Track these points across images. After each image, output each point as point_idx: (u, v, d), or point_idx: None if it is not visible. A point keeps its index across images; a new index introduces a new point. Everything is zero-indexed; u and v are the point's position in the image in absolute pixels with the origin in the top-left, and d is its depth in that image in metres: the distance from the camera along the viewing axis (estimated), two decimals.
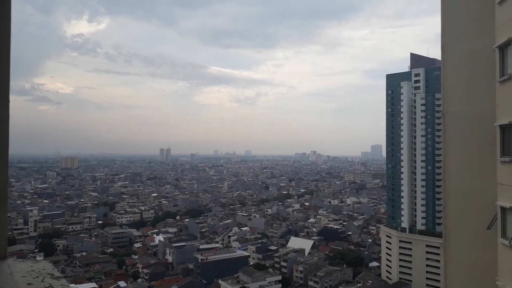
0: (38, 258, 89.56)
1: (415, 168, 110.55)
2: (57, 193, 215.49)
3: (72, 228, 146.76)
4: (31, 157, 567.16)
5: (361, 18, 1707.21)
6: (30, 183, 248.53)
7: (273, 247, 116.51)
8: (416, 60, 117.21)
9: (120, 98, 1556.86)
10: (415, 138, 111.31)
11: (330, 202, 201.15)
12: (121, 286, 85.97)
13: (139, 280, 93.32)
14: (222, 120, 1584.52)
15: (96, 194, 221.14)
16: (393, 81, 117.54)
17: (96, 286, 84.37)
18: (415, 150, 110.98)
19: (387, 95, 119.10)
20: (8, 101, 3.26)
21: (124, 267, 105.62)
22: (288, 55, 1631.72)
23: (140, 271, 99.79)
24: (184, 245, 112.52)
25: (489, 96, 9.58)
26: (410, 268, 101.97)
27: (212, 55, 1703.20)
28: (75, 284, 79.52)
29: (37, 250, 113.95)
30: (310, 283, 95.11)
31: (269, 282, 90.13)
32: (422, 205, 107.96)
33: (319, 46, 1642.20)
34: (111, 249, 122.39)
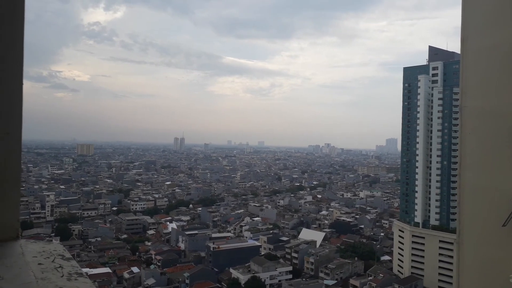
0: (54, 242, 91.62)
1: (430, 162, 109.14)
2: (73, 179, 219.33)
3: (88, 213, 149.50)
4: (48, 143, 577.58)
5: (378, 10, 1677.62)
6: (47, 169, 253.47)
7: (284, 238, 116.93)
8: (435, 53, 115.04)
9: (136, 86, 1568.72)
10: (431, 132, 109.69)
11: (342, 195, 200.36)
12: (134, 271, 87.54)
13: (152, 266, 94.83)
14: (236, 110, 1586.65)
15: (111, 181, 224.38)
16: (410, 74, 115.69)
17: (110, 271, 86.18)
18: (431, 144, 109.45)
19: (404, 88, 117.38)
20: (21, 84, 3.29)
21: (137, 253, 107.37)
22: (303, 46, 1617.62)
23: (153, 257, 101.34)
24: (197, 233, 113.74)
25: (509, 91, 9.34)
26: (423, 263, 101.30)
27: (226, 45, 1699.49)
28: (90, 268, 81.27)
29: (53, 234, 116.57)
30: (321, 274, 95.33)
31: (279, 272, 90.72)
32: (436, 200, 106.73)
33: (335, 37, 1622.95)
34: (125, 235, 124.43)
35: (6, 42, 3.15)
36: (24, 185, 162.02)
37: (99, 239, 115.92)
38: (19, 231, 3.31)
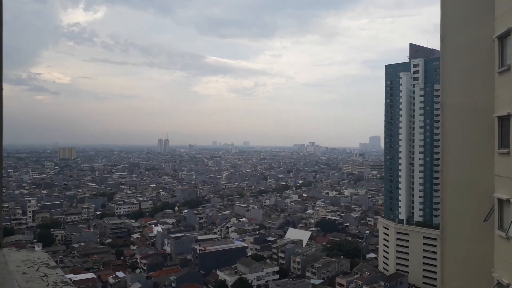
0: (36, 248, 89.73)
1: (413, 159, 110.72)
2: (55, 183, 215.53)
3: (71, 218, 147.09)
4: (29, 147, 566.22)
5: (359, 8, 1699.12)
6: (28, 174, 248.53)
7: (271, 238, 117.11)
8: (415, 50, 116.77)
9: (118, 88, 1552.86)
10: (413, 129, 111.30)
11: (328, 193, 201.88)
12: (120, 276, 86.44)
13: (138, 270, 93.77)
14: (221, 110, 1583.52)
15: (94, 184, 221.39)
16: (392, 72, 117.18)
17: (95, 276, 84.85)
18: (413, 141, 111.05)
19: (386, 85, 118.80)
20: (1, 89, 3.21)
21: (122, 257, 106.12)
22: (286, 45, 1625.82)
23: (139, 261, 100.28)
24: (182, 236, 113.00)
25: (488, 87, 9.54)
26: (407, 259, 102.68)
27: (209, 44, 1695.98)
28: (74, 274, 79.88)
29: (35, 240, 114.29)
30: (308, 274, 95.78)
31: (266, 273, 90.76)
32: (419, 196, 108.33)
33: (317, 36, 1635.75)
34: (109, 240, 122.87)
35: None
36: (4, 190, 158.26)
37: (82, 244, 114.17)
38: (1, 240, 3.23)
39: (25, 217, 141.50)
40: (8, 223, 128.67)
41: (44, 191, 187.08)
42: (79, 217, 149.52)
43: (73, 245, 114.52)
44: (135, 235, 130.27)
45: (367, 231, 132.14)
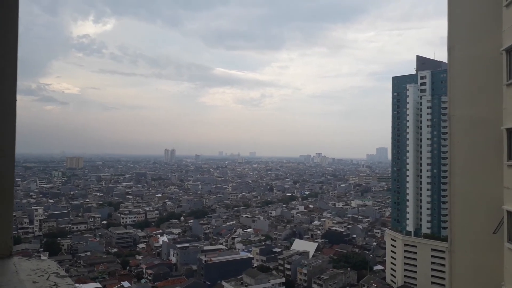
0: (42, 257, 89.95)
1: (421, 171, 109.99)
2: (62, 192, 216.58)
3: (77, 227, 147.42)
4: (37, 156, 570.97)
5: (366, 20, 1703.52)
6: (36, 183, 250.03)
7: (277, 249, 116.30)
8: (422, 62, 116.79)
9: (126, 98, 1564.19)
10: (420, 141, 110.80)
11: (334, 204, 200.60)
12: (125, 286, 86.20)
13: (143, 280, 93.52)
14: (227, 121, 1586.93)
15: (101, 194, 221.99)
16: (399, 84, 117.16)
17: (100, 286, 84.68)
18: (420, 153, 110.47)
19: (393, 97, 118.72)
20: (15, 100, 3.29)
21: (128, 267, 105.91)
22: (293, 57, 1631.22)
23: (144, 271, 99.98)
24: (188, 246, 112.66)
25: (496, 100, 9.52)
26: (415, 272, 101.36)
27: (216, 56, 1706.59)
28: (79, 283, 79.80)
29: (42, 249, 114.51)
30: (314, 286, 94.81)
31: (272, 284, 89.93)
32: (427, 208, 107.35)
33: (323, 48, 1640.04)
34: (115, 249, 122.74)
35: (0, 62, 3.16)
36: None
37: (88, 253, 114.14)
38: (12, 249, 3.27)
39: (32, 226, 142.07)
40: (15, 232, 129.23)
41: (51, 200, 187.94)
42: (85, 227, 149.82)
43: (79, 254, 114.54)
44: (141, 245, 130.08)
45: (374, 243, 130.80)
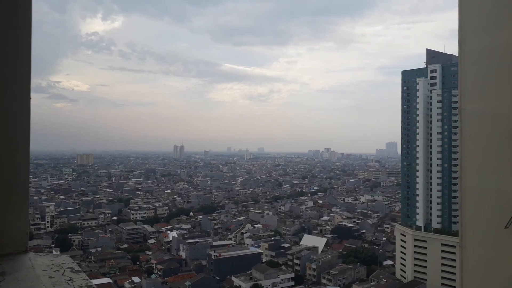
0: (54, 253, 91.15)
1: (431, 165, 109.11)
2: (73, 189, 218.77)
3: (88, 223, 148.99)
4: (48, 153, 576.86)
5: (374, 14, 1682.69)
6: (47, 179, 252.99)
7: (286, 245, 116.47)
8: (432, 56, 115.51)
9: (134, 95, 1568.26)
10: (431, 135, 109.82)
11: (344, 199, 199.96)
12: (135, 281, 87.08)
13: (153, 275, 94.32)
14: (235, 117, 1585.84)
15: (111, 190, 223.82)
16: (409, 78, 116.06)
17: (111, 281, 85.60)
18: (431, 147, 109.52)
19: (403, 91, 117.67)
20: (29, 99, 3.34)
21: (138, 262, 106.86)
22: (300, 52, 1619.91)
23: (154, 266, 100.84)
24: (198, 242, 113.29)
25: (508, 93, 9.40)
26: (425, 267, 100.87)
27: (224, 52, 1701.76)
28: (91, 279, 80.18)
29: (53, 245, 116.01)
30: (323, 281, 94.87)
31: (282, 280, 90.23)
32: (437, 203, 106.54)
33: (331, 42, 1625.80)
34: (125, 245, 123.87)
35: (15, 59, 3.20)
36: None
37: (99, 249, 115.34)
38: (27, 245, 3.33)
39: (44, 222, 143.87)
40: (29, 227, 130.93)
41: (62, 197, 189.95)
42: (96, 223, 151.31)
43: (90, 250, 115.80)
44: (151, 241, 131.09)
45: (384, 238, 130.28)
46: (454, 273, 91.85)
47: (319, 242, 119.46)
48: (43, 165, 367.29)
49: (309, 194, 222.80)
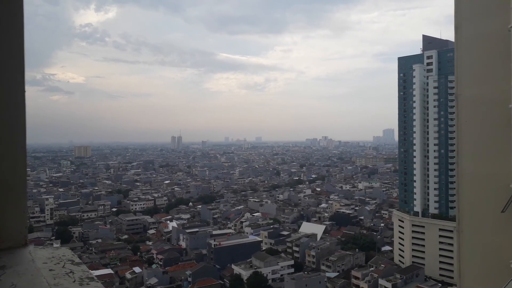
0: (55, 245, 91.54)
1: (428, 151, 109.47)
2: (71, 181, 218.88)
3: (87, 215, 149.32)
4: (45, 146, 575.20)
5: (369, 1, 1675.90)
6: (45, 172, 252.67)
7: (285, 232, 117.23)
8: (429, 42, 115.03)
9: (130, 86, 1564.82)
10: (427, 121, 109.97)
11: (341, 187, 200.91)
12: (136, 271, 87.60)
13: (154, 265, 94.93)
14: (232, 107, 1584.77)
15: (110, 182, 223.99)
16: (405, 64, 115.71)
17: (112, 272, 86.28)
18: (427, 133, 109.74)
19: (399, 78, 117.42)
20: (24, 92, 3.32)
21: (138, 253, 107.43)
22: (296, 40, 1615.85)
23: (155, 256, 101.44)
24: (197, 231, 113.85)
25: (504, 78, 9.41)
26: (423, 252, 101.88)
27: (219, 41, 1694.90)
28: (92, 270, 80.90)
29: (54, 237, 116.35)
30: (323, 267, 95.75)
31: (281, 267, 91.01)
32: (435, 189, 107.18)
33: (327, 30, 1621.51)
34: (125, 236, 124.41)
35: (8, 52, 3.17)
36: None
37: (99, 240, 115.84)
38: (27, 238, 3.35)
39: (43, 215, 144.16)
40: (27, 221, 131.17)
41: (61, 189, 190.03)
42: (95, 214, 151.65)
43: (90, 241, 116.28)
44: (151, 231, 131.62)
45: (382, 224, 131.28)
46: (451, 258, 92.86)
47: (317, 229, 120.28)
48: (41, 158, 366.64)
49: (307, 182, 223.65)
